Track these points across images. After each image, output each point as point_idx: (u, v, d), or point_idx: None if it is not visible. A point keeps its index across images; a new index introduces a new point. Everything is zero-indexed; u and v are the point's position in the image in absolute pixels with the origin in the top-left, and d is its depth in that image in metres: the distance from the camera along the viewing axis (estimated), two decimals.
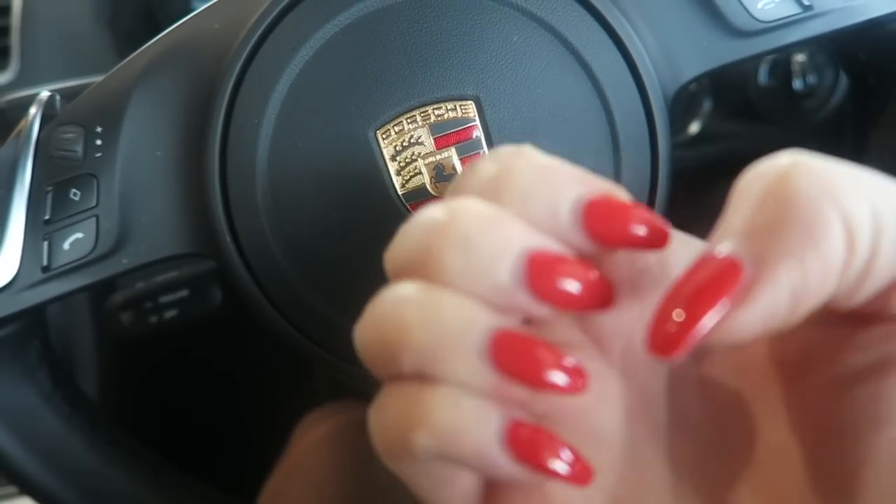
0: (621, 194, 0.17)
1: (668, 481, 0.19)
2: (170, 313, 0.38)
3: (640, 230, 0.17)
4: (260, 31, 0.26)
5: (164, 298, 0.38)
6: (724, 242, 0.16)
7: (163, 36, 0.29)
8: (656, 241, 0.17)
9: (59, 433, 0.30)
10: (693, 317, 0.15)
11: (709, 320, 0.15)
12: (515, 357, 0.16)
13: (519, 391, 0.17)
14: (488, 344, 0.16)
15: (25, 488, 0.30)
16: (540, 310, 0.17)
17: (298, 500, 0.44)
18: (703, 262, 0.16)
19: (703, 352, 0.19)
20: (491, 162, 0.18)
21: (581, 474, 0.17)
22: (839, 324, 0.17)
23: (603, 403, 0.19)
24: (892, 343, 0.16)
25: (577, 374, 0.17)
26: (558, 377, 0.16)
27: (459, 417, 0.16)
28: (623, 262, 0.19)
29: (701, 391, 0.19)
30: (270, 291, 0.27)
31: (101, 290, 0.40)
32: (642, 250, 0.17)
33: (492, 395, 0.17)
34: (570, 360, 0.17)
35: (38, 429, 0.30)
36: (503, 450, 0.16)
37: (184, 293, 0.38)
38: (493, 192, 0.17)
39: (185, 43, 0.28)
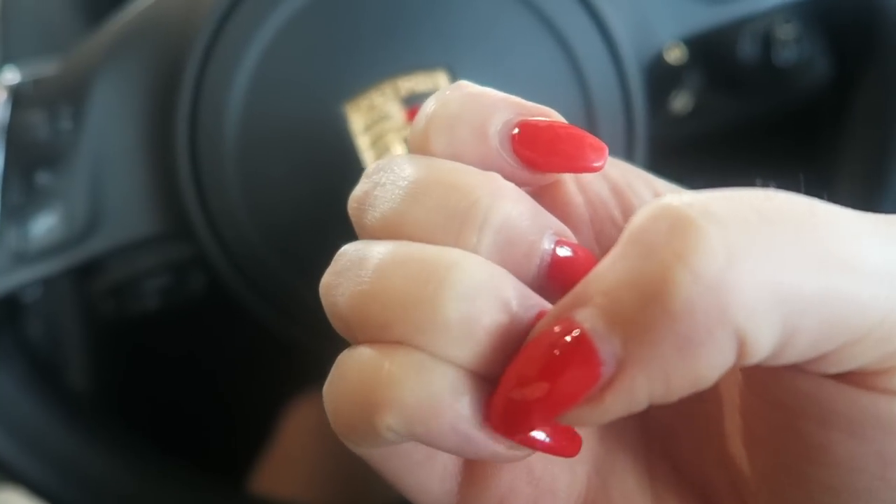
0: (555, 115, 0.17)
1: (642, 445, 0.19)
2: (153, 299, 0.38)
3: (571, 150, 0.16)
4: (225, 6, 0.26)
5: (147, 284, 0.37)
6: (589, 313, 0.13)
7: (127, 13, 0.28)
8: (594, 157, 0.16)
9: (39, 420, 0.30)
10: (539, 407, 0.13)
11: (554, 410, 0.13)
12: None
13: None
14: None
15: (7, 476, 0.30)
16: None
17: (292, 484, 0.44)
18: (561, 331, 0.13)
19: None
20: (431, 100, 0.17)
21: (570, 443, 0.15)
22: None
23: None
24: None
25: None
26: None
27: (430, 391, 0.14)
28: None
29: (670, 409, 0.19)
30: (245, 270, 0.27)
31: (82, 276, 0.39)
32: (583, 171, 0.16)
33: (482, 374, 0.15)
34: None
35: (17, 415, 0.30)
36: (481, 424, 0.14)
37: (167, 278, 0.38)
38: (424, 128, 0.17)
39: (150, 19, 0.28)
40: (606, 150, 0.16)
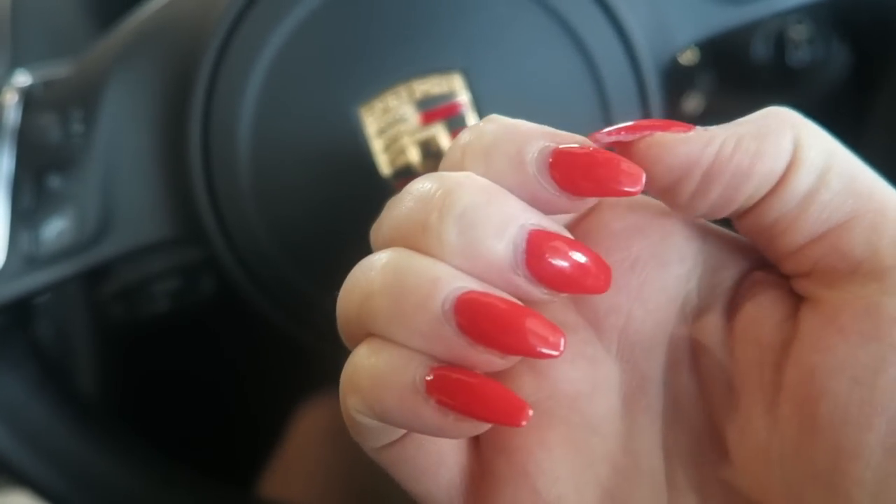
0: (589, 143, 0.17)
1: (662, 472, 0.18)
2: (163, 302, 0.37)
3: (607, 175, 0.16)
4: (238, 8, 0.26)
5: (157, 287, 0.37)
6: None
7: (138, 15, 0.28)
8: (630, 182, 0.16)
9: (49, 426, 0.30)
10: (632, 127, 0.17)
11: (643, 132, 0.17)
12: (484, 320, 0.16)
13: (487, 356, 0.16)
14: (454, 306, 0.16)
15: (15, 479, 0.30)
16: (536, 291, 0.16)
17: (301, 487, 0.44)
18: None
19: (696, 339, 0.19)
20: (466, 131, 0.18)
21: (515, 414, 0.16)
22: (814, 312, 0.17)
23: (598, 389, 0.19)
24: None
25: (553, 333, 0.16)
26: (534, 336, 0.16)
27: (377, 369, 0.16)
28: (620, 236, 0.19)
29: (695, 378, 0.19)
30: (257, 274, 0.27)
31: (92, 279, 0.39)
32: (618, 195, 0.17)
33: (459, 360, 0.16)
34: (545, 322, 0.16)
35: (27, 421, 0.30)
36: (427, 398, 0.16)
37: (177, 282, 0.38)
38: (460, 157, 0.17)
39: (162, 22, 0.27)
40: (643, 176, 0.16)
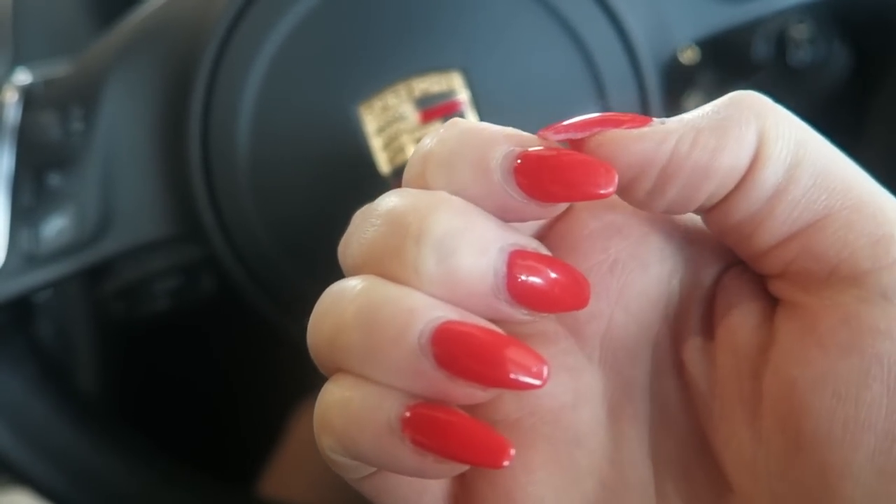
0: (556, 144, 0.16)
1: (651, 484, 0.18)
2: (163, 301, 0.37)
3: (577, 178, 0.15)
4: (238, 6, 0.26)
5: (157, 286, 0.37)
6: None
7: (138, 14, 0.28)
8: (602, 184, 0.15)
9: (48, 424, 0.30)
10: (582, 124, 0.16)
11: (594, 128, 0.16)
12: (463, 352, 0.15)
13: (468, 389, 0.15)
14: (431, 338, 0.15)
15: (15, 477, 0.30)
16: (517, 313, 0.16)
17: (300, 486, 0.44)
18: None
19: (679, 343, 0.18)
20: (427, 138, 0.17)
21: (496, 455, 0.15)
22: (793, 323, 0.16)
23: (581, 400, 0.18)
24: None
25: (536, 362, 0.15)
26: (515, 366, 0.15)
27: (349, 409, 0.15)
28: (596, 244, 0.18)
29: (681, 384, 0.18)
30: (256, 272, 0.27)
31: (92, 278, 0.39)
32: (590, 199, 0.16)
33: (438, 395, 0.15)
34: (527, 351, 0.15)
35: (27, 419, 0.30)
36: (403, 438, 0.15)
37: (177, 280, 0.38)
38: (422, 167, 0.16)
39: (161, 20, 0.28)
40: (616, 176, 0.15)
